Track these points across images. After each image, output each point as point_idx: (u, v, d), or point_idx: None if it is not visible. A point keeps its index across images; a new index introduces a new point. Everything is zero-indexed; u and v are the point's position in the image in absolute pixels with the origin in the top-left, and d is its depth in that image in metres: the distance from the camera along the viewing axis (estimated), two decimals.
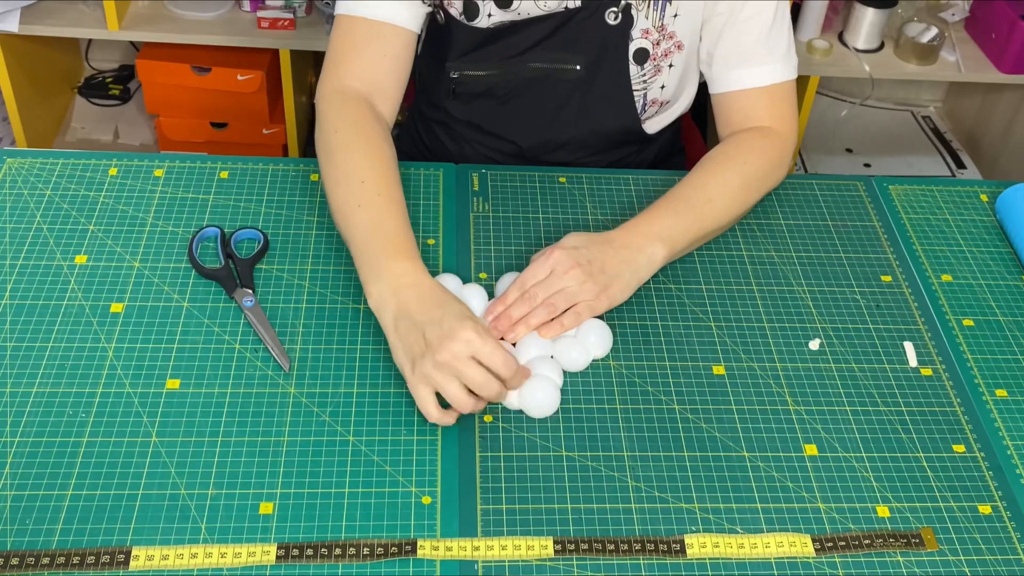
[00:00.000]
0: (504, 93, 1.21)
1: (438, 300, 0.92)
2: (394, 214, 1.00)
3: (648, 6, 1.14)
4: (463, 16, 1.15)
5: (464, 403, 0.88)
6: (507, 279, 1.04)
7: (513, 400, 0.93)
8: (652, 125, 1.27)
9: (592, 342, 0.98)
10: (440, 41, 1.19)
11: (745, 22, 1.14)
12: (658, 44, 1.17)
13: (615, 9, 1.13)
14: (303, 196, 1.13)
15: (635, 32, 1.15)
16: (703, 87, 1.27)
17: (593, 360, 0.98)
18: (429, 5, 1.15)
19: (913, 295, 1.09)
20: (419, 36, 1.17)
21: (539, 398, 0.92)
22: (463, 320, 0.89)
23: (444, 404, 0.91)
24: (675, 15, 1.15)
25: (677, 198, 1.08)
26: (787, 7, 1.17)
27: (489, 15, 1.15)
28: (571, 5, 1.14)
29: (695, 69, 1.24)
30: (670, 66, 1.19)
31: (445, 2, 1.15)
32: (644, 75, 1.18)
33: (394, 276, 0.94)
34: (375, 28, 1.10)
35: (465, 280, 1.04)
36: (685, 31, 1.17)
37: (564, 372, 0.97)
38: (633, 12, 1.14)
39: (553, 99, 1.21)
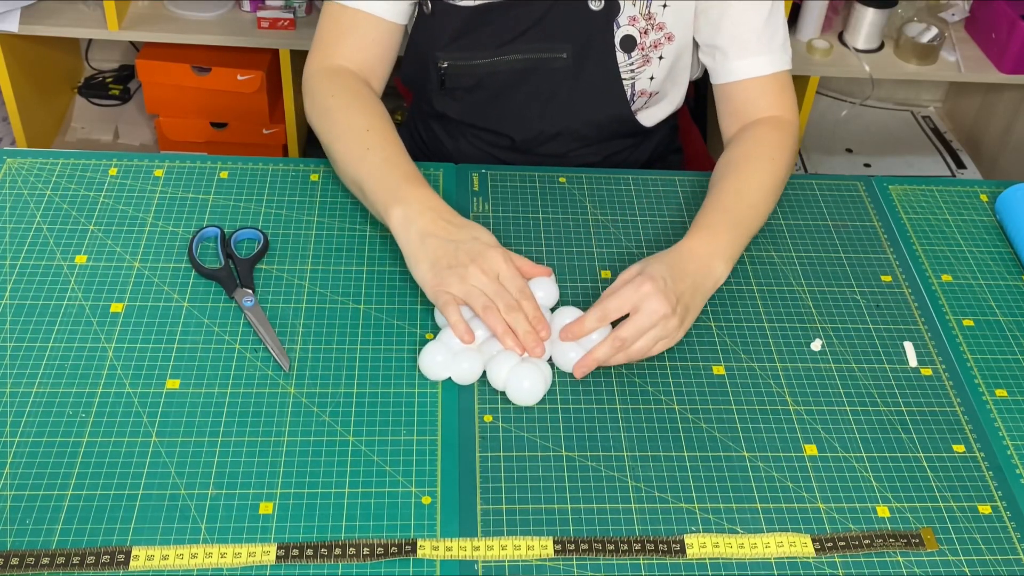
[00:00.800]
0: (493, 86, 1.21)
1: (464, 223, 1.00)
2: (404, 155, 1.08)
3: None
4: None
5: (479, 306, 0.94)
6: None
7: (498, 381, 0.94)
8: (646, 118, 1.27)
9: (594, 339, 0.97)
10: (428, 30, 1.20)
11: (742, 12, 1.15)
12: (646, 33, 1.17)
13: None
14: (303, 196, 1.13)
15: (622, 19, 1.16)
16: (699, 86, 1.27)
17: None
18: None
19: (913, 295, 1.09)
20: (406, 27, 1.22)
21: (525, 387, 0.92)
22: (493, 247, 0.97)
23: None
24: (664, 5, 1.16)
25: (727, 210, 1.07)
26: None
27: None
28: None
29: (687, 63, 1.24)
30: (660, 58, 1.19)
31: None
32: (632, 64, 1.19)
33: (417, 199, 1.01)
34: (361, 16, 1.16)
35: None
36: (676, 22, 1.17)
37: (561, 372, 0.97)
38: None
39: (543, 90, 1.21)
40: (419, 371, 0.95)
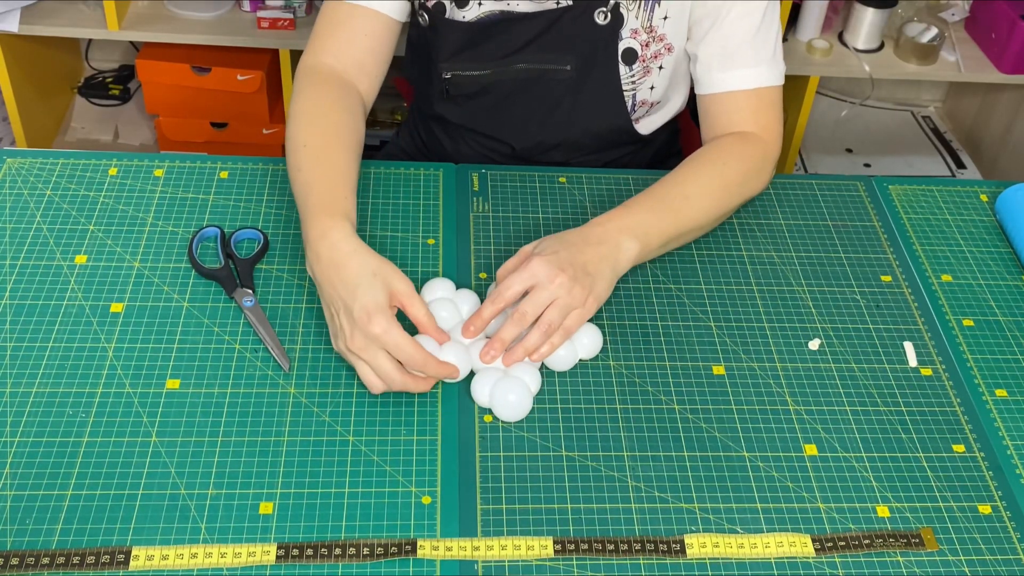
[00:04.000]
0: (496, 95, 1.21)
1: (346, 276, 0.91)
2: (326, 176, 1.00)
3: (638, 6, 1.14)
4: (453, 2, 1.16)
5: (390, 382, 0.90)
6: (466, 296, 1.01)
7: (482, 397, 0.93)
8: (645, 126, 1.27)
9: (584, 344, 0.97)
10: (429, 43, 1.20)
11: (731, 24, 1.13)
12: (647, 46, 1.17)
13: (604, 9, 1.14)
14: None
15: (624, 32, 1.16)
16: None
17: (580, 360, 0.98)
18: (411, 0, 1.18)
19: (913, 295, 1.09)
20: (403, 24, 1.20)
21: (510, 400, 0.92)
22: (372, 313, 0.88)
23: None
24: (664, 17, 1.15)
25: (654, 196, 1.06)
26: (776, 10, 1.16)
27: (480, 3, 1.15)
28: (562, 2, 1.14)
29: (687, 70, 1.24)
30: (660, 68, 1.19)
31: None
32: (633, 75, 1.18)
33: (316, 236, 0.94)
34: (356, 11, 1.14)
35: (464, 281, 1.04)
36: (675, 34, 1.17)
37: (550, 371, 0.97)
38: (623, 11, 1.14)
39: (545, 100, 1.21)
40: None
